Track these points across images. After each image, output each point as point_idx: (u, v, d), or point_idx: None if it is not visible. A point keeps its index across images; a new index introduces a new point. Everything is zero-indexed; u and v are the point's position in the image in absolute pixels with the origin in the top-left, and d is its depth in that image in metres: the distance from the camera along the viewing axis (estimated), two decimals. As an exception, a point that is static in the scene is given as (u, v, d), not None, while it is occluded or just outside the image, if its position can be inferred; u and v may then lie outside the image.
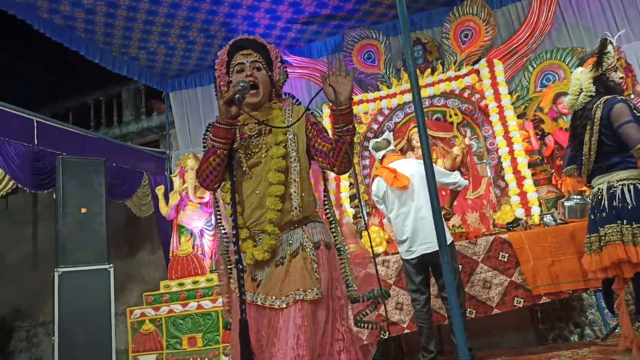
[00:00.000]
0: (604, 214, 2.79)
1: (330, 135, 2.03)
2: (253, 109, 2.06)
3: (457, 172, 3.89)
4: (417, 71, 6.02)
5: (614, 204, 2.74)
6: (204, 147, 2.13)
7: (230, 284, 2.03)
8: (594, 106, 2.84)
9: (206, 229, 5.97)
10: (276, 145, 1.96)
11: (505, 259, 4.01)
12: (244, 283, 1.84)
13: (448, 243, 3.46)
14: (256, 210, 1.93)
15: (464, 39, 6.06)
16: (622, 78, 3.04)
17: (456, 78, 5.75)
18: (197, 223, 5.92)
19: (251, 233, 1.94)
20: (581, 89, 2.92)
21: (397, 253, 3.95)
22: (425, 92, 5.85)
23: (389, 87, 6.19)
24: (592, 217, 2.91)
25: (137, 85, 9.31)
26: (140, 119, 9.38)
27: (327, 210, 2.14)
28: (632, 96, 4.70)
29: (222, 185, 2.04)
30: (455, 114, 5.83)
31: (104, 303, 5.24)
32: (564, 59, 5.60)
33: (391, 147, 3.90)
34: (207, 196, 5.92)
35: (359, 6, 6.39)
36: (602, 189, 2.83)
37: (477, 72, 5.64)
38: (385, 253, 4.41)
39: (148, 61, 7.12)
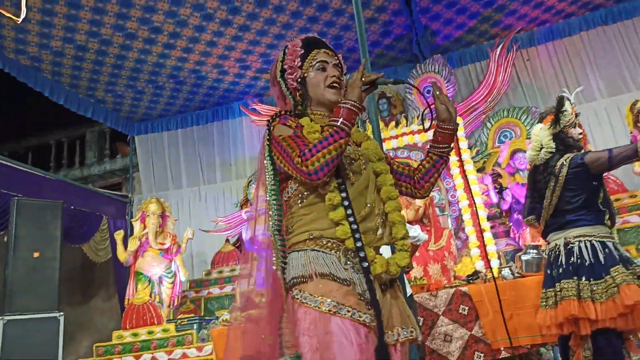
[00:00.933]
0: (560, 270, 2.84)
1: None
2: (330, 113, 1.78)
3: (417, 226, 3.94)
4: (382, 124, 6.21)
5: (572, 260, 2.80)
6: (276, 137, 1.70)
7: (301, 299, 1.56)
8: (558, 163, 2.93)
9: (165, 276, 5.79)
10: (379, 160, 1.79)
11: (466, 312, 4.02)
12: (350, 299, 1.54)
13: (407, 296, 3.45)
14: (365, 223, 1.67)
15: (426, 94, 6.30)
16: (581, 134, 3.18)
17: (419, 132, 5.94)
18: (156, 270, 5.74)
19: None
20: (542, 145, 3.04)
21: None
22: (389, 144, 6.00)
23: (354, 138, 6.32)
24: (549, 272, 2.96)
25: (102, 127, 9.20)
26: (103, 161, 9.22)
27: None
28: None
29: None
30: (418, 166, 5.98)
31: (52, 354, 4.93)
32: (520, 117, 5.89)
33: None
34: (168, 242, 5.78)
35: (327, 60, 6.60)
36: (559, 245, 2.90)
37: (439, 126, 5.83)
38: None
39: (115, 104, 7.09)
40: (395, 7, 5.76)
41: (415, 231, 3.73)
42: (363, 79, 1.66)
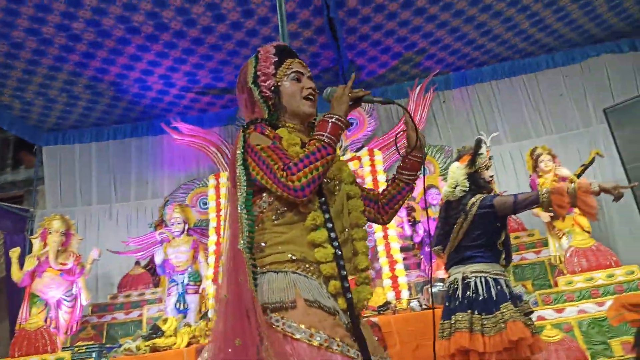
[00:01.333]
0: (457, 302, 2.99)
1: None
2: (302, 126, 1.75)
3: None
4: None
5: (467, 294, 2.97)
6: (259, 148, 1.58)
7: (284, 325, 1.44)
8: (470, 202, 3.10)
9: (64, 299, 5.38)
10: (351, 183, 1.71)
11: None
12: (338, 330, 1.45)
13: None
14: (344, 247, 1.58)
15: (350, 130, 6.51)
16: (491, 176, 3.42)
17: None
18: (54, 292, 5.32)
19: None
20: (457, 183, 3.22)
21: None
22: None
23: (277, 164, 6.34)
24: (447, 304, 3.12)
25: (6, 135, 8.52)
26: (4, 171, 8.50)
27: None
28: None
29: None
30: (338, 196, 6.11)
31: None
32: (434, 155, 6.22)
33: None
34: (70, 262, 5.39)
35: (254, 84, 6.61)
36: (458, 279, 3.07)
37: (359, 158, 6.02)
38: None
39: (22, 111, 6.60)
40: (323, 40, 5.92)
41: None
42: (350, 94, 1.60)
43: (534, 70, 6.86)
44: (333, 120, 1.54)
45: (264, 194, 1.58)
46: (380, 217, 1.81)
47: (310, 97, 1.70)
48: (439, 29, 5.96)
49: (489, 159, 3.32)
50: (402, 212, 5.83)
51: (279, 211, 1.57)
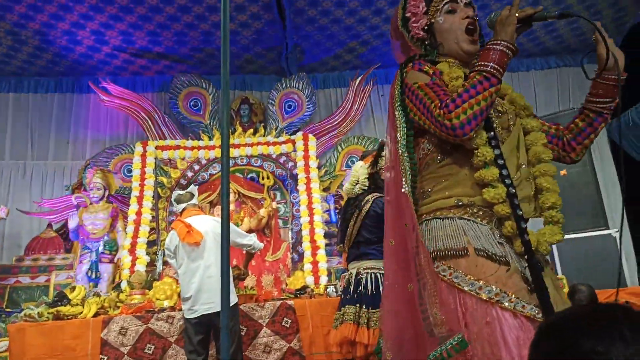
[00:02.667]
0: (348, 296, 3.15)
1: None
2: (465, 65, 1.55)
3: (253, 235, 3.99)
4: (240, 129, 6.19)
5: (359, 289, 3.10)
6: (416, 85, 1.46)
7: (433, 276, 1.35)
8: (364, 199, 3.22)
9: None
10: (528, 116, 1.55)
11: (288, 325, 4.16)
12: (516, 283, 1.32)
13: (232, 304, 3.47)
14: (521, 188, 1.42)
15: (287, 109, 6.47)
16: None
17: (274, 144, 6.04)
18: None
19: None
20: (358, 180, 3.31)
21: (184, 310, 3.81)
22: (243, 151, 6.00)
23: (210, 138, 6.20)
24: (342, 296, 3.24)
25: None
26: None
27: None
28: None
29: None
30: (268, 177, 6.09)
31: None
32: (367, 146, 6.34)
33: (193, 201, 3.83)
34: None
35: (194, 53, 6.40)
36: (353, 274, 3.20)
37: (294, 142, 6.02)
38: (172, 308, 4.22)
39: None
40: (269, 17, 5.81)
41: (250, 239, 3.77)
42: (517, 14, 1.40)
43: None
44: (499, 47, 1.36)
45: (427, 135, 1.48)
46: (567, 155, 1.59)
47: (470, 27, 1.52)
48: (384, 24, 6.03)
49: None
50: (330, 200, 5.92)
51: (444, 152, 1.45)
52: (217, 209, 5.77)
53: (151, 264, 5.41)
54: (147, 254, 5.36)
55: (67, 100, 6.75)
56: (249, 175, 6.18)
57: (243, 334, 3.99)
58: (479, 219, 1.40)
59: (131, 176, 5.81)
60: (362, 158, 3.52)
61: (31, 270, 5.66)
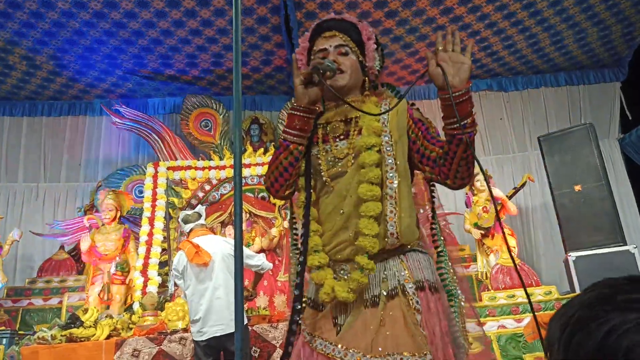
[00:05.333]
0: None
1: (443, 137, 1.47)
2: (337, 101, 1.63)
3: (262, 255, 3.96)
4: (251, 149, 6.22)
5: None
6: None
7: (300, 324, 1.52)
8: None
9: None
10: (367, 149, 1.47)
11: (302, 346, 4.10)
12: (321, 326, 1.46)
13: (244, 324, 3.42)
14: (339, 234, 1.48)
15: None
16: None
17: (284, 163, 6.05)
18: (-35, 273, 4.96)
19: (330, 261, 1.51)
20: None
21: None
22: (254, 170, 6.01)
23: (220, 158, 6.23)
24: None
25: None
26: None
27: (435, 238, 1.61)
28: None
29: (295, 195, 1.62)
30: (279, 196, 6.08)
31: None
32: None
33: (201, 221, 3.80)
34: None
35: (205, 75, 6.48)
36: None
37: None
38: (185, 330, 4.18)
39: (-55, 75, 6.11)
40: (278, 39, 5.89)
41: (259, 259, 3.73)
42: (298, 78, 1.49)
43: (477, 89, 7.12)
44: (289, 111, 1.55)
45: None
46: (445, 180, 1.49)
47: (339, 69, 1.58)
48: (393, 42, 6.07)
49: None
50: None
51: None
52: (229, 229, 5.76)
53: (163, 285, 5.39)
54: (159, 274, 5.35)
55: (80, 123, 6.84)
56: (260, 195, 6.18)
57: (257, 355, 3.94)
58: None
59: (142, 197, 5.84)
60: None
61: (44, 293, 5.66)
